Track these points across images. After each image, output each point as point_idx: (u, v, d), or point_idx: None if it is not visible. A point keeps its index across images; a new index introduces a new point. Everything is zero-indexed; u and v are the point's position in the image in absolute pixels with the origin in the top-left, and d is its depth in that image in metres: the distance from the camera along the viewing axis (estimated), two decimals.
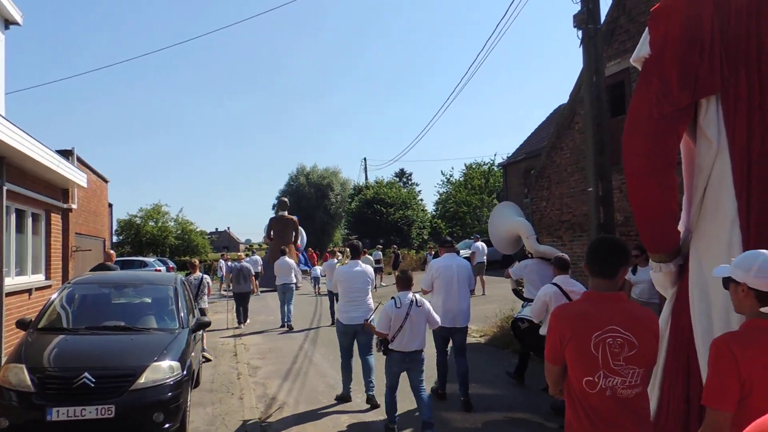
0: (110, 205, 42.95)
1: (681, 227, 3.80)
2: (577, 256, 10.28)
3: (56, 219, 10.62)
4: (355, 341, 6.85)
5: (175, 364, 5.44)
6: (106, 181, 15.61)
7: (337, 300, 11.18)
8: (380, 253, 24.81)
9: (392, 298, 5.62)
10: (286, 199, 27.87)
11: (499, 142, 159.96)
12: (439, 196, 51.90)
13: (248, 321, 13.73)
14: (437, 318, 5.79)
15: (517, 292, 7.88)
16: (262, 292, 21.59)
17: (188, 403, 5.67)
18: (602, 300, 2.56)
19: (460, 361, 6.51)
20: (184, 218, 49.49)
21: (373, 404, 6.59)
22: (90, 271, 9.68)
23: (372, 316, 6.55)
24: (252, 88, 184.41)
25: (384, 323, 5.46)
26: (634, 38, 8.47)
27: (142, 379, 5.14)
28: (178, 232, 48.42)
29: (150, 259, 25.47)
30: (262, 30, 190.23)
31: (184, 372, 5.52)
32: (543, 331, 5.80)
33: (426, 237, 43.89)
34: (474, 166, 47.60)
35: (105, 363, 5.23)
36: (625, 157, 3.76)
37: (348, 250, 7.22)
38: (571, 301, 5.50)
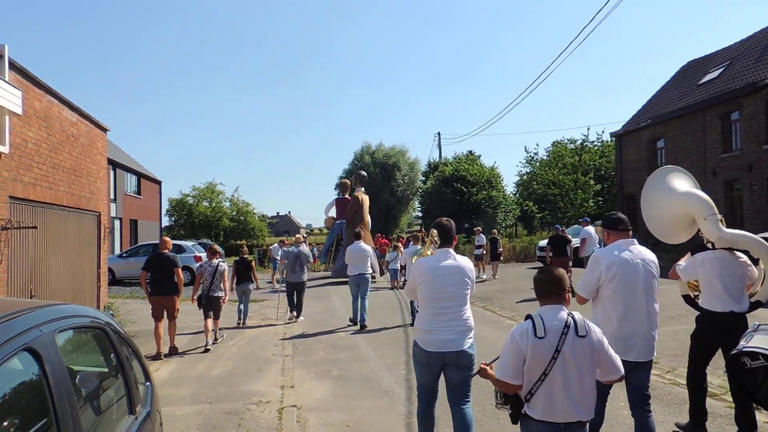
0: (159, 183, 39.78)
1: None
2: None
3: None
4: (443, 376, 4.31)
5: None
6: (103, 130, 10.66)
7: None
8: (483, 236, 19.82)
9: (528, 317, 3.00)
10: (364, 174, 23.49)
11: (582, 118, 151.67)
12: (519, 178, 46.29)
13: (302, 318, 11.92)
14: (617, 360, 3.03)
15: (690, 300, 5.25)
16: (331, 283, 19.40)
17: None
18: None
19: (641, 416, 4.11)
20: (241, 198, 45.43)
21: None
22: (145, 263, 8.65)
23: (470, 341, 4.20)
24: (312, 72, 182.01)
25: (512, 364, 2.95)
26: None
27: None
28: (234, 213, 44.36)
29: (189, 243, 20.70)
30: (320, 14, 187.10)
31: None
32: None
33: (512, 222, 37.94)
34: (562, 143, 41.49)
35: None
36: None
37: (435, 233, 4.42)
38: None
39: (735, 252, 4.87)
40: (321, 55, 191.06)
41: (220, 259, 9.77)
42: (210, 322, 9.35)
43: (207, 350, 8.96)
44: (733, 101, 20.62)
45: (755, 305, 4.83)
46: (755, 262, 4.91)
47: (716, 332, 4.82)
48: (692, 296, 5.29)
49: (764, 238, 5.25)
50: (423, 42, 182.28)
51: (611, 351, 3.04)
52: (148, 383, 2.77)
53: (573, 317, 3.00)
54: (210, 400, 6.31)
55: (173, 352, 8.78)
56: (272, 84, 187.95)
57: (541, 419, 2.94)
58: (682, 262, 5.23)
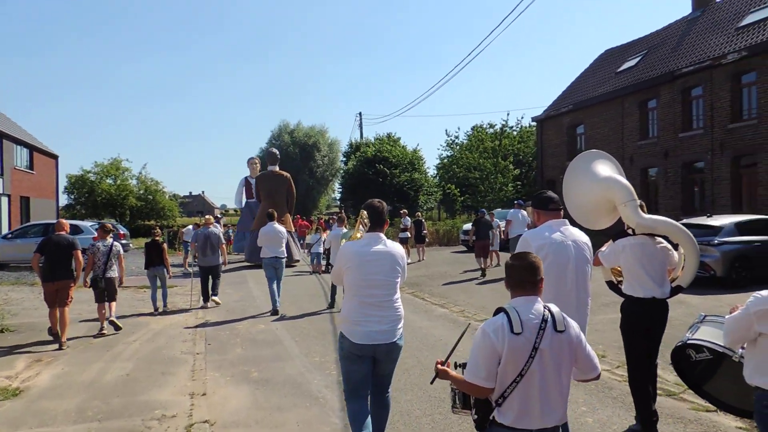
0: (55, 157, 36.31)
1: None
2: None
3: None
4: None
5: None
6: None
7: None
8: (409, 219, 19.54)
9: (501, 310, 2.67)
10: (275, 151, 21.53)
11: (501, 103, 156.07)
12: (440, 161, 46.43)
13: (219, 301, 11.32)
14: (595, 358, 2.76)
15: (614, 286, 5.19)
16: (247, 267, 18.50)
17: None
18: None
19: None
20: (149, 176, 42.44)
21: None
22: (39, 246, 8.13)
23: (400, 332, 3.95)
24: (228, 43, 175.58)
25: (485, 365, 2.59)
26: None
27: None
28: (141, 192, 41.40)
29: (87, 223, 18.66)
30: None
31: None
32: (752, 379, 2.93)
33: (433, 205, 37.80)
34: (482, 128, 41.85)
35: None
36: None
37: (364, 215, 4.06)
38: None
39: (655, 237, 4.88)
40: (234, 24, 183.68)
41: (123, 240, 8.96)
42: (105, 306, 8.84)
43: (102, 335, 8.61)
44: (650, 89, 21.11)
45: (676, 290, 4.85)
46: (675, 247, 4.93)
47: (641, 319, 4.79)
48: (615, 282, 5.28)
49: (684, 225, 5.17)
50: (346, 19, 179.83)
51: (589, 347, 2.77)
52: None
53: (550, 311, 2.70)
54: (100, 416, 5.16)
55: (62, 346, 7.86)
56: (182, 55, 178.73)
57: (512, 426, 2.60)
58: (604, 249, 5.18)
